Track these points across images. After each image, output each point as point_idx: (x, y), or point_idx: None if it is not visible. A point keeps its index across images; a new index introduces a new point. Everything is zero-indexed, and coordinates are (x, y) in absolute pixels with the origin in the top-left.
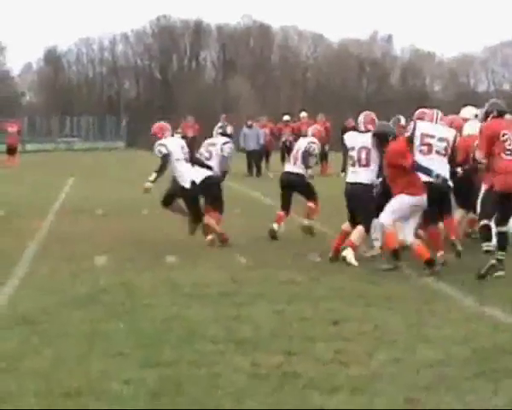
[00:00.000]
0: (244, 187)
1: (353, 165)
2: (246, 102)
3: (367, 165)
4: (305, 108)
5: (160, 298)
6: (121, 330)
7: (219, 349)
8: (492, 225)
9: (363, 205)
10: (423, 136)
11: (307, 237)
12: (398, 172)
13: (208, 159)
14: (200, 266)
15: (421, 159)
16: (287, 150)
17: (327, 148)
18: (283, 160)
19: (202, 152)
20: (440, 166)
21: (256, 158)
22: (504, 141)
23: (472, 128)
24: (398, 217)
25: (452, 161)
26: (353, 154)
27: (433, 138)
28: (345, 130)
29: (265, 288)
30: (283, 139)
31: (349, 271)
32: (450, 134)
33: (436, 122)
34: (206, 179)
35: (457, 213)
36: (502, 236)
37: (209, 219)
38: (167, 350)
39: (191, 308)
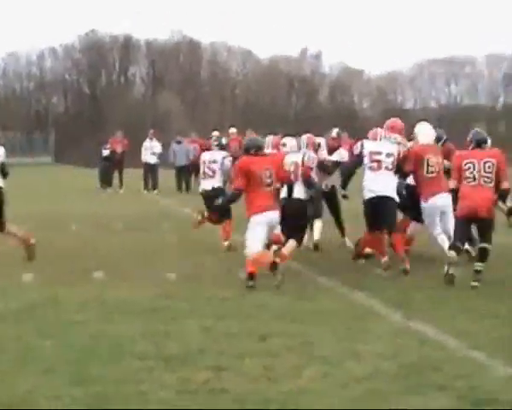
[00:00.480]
0: (174, 203)
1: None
2: (175, 118)
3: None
4: (235, 124)
5: (89, 314)
6: (50, 347)
7: (147, 366)
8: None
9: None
10: (371, 153)
11: (237, 254)
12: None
13: (212, 176)
14: (129, 281)
15: (371, 176)
16: None
17: None
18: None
19: (206, 171)
20: (387, 181)
21: (185, 174)
22: (466, 169)
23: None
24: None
25: (401, 173)
26: None
27: (381, 155)
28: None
29: (194, 304)
30: None
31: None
32: (394, 149)
33: (380, 139)
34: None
35: (411, 226)
36: (483, 251)
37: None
38: (95, 367)
39: (119, 324)
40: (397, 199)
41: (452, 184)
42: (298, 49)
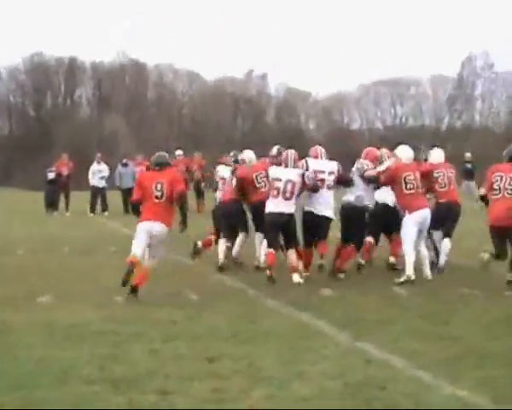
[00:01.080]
0: (120, 225)
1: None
2: (122, 140)
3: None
4: (181, 145)
5: (35, 338)
6: None
7: (94, 390)
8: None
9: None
10: (316, 172)
11: (185, 276)
12: None
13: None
14: (76, 304)
15: (315, 194)
16: None
17: (203, 185)
18: None
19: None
20: (328, 200)
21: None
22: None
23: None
24: None
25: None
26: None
27: (324, 173)
28: None
29: (142, 327)
30: None
31: (225, 309)
32: (335, 167)
33: (321, 158)
34: None
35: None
36: None
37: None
38: (42, 391)
39: (66, 348)
40: (332, 217)
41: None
42: (244, 70)
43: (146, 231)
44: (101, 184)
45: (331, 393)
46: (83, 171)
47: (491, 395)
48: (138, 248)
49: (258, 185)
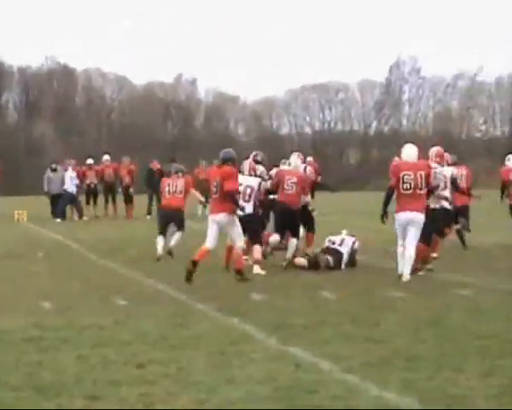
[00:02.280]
0: (47, 230)
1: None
2: (50, 145)
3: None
4: (111, 150)
5: None
6: None
7: (22, 396)
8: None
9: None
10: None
11: (114, 281)
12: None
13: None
14: (2, 311)
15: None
16: (91, 193)
17: (132, 191)
18: (88, 202)
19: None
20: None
21: (60, 200)
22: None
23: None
24: None
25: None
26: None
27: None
28: (150, 172)
29: (69, 333)
30: (88, 182)
31: (154, 314)
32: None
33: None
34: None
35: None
36: None
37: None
38: None
39: None
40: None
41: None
42: (173, 74)
43: (213, 221)
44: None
45: (260, 397)
46: (8, 176)
47: (417, 396)
48: (212, 240)
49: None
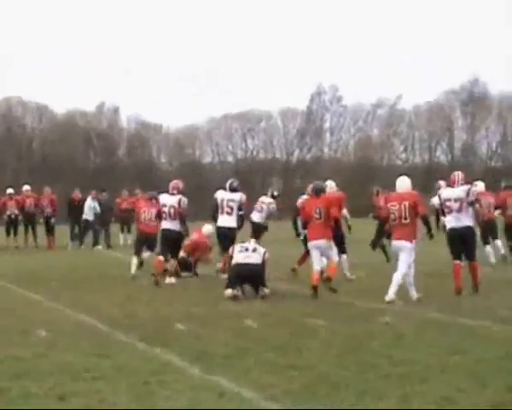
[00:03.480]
0: None
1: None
2: None
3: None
4: (32, 180)
5: None
6: None
7: None
8: None
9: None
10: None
11: (35, 312)
12: None
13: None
14: None
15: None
16: (12, 224)
17: (53, 220)
18: (8, 233)
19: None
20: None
21: None
22: None
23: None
24: None
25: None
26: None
27: (166, 207)
28: (72, 202)
29: None
30: (8, 213)
31: (76, 345)
32: (175, 199)
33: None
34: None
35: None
36: None
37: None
38: None
39: None
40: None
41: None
42: (95, 103)
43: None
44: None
45: None
46: None
47: None
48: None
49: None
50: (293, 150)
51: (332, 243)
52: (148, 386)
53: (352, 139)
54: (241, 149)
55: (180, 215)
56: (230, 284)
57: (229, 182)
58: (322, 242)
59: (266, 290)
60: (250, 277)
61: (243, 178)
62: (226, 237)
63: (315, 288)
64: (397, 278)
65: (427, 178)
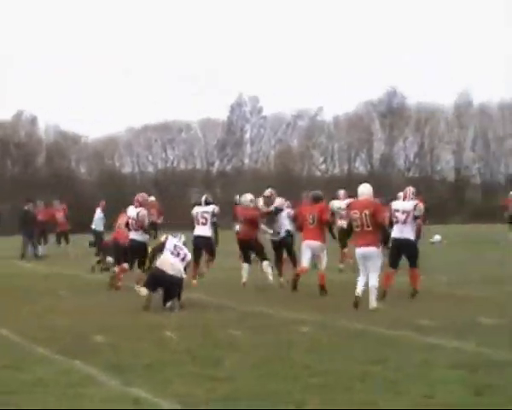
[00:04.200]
0: None
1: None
2: None
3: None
4: None
5: None
6: None
7: None
8: None
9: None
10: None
11: None
12: None
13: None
14: None
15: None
16: None
17: None
18: None
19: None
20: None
21: None
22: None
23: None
24: None
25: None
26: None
27: (130, 219)
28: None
29: None
30: None
31: None
32: (135, 212)
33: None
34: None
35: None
36: None
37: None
38: None
39: None
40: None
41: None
42: (12, 112)
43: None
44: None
45: None
46: None
47: None
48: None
49: None
50: (214, 161)
51: (325, 246)
52: (64, 399)
53: (272, 150)
54: (162, 160)
55: (140, 227)
56: (148, 285)
57: (203, 197)
58: (315, 243)
59: (177, 305)
60: (168, 286)
61: (163, 189)
62: (203, 246)
63: (295, 280)
64: (373, 284)
65: (346, 189)
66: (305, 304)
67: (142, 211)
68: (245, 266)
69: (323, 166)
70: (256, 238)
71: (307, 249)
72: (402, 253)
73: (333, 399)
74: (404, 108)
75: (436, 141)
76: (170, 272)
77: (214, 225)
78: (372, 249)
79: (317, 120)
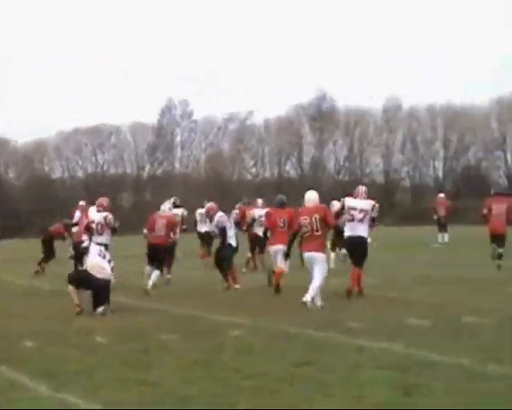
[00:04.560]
0: None
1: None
2: None
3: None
4: None
5: None
6: None
7: None
8: None
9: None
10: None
11: None
12: None
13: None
14: None
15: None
16: None
17: None
18: None
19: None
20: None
21: None
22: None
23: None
24: None
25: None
26: None
27: (94, 223)
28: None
29: None
30: None
31: None
32: (101, 217)
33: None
34: None
35: None
36: None
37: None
38: None
39: None
40: None
41: None
42: None
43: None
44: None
45: None
46: None
47: None
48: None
49: None
50: (144, 165)
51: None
52: None
53: (202, 154)
54: (91, 164)
55: (109, 229)
56: (74, 282)
57: (172, 199)
58: (282, 247)
59: (108, 309)
60: (97, 290)
61: (93, 194)
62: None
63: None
64: (314, 285)
65: (277, 192)
66: (237, 307)
67: (109, 215)
68: (148, 269)
69: (254, 170)
70: (166, 246)
71: (277, 254)
72: (353, 250)
73: (263, 401)
74: (333, 111)
75: (365, 144)
76: (98, 275)
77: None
78: (318, 254)
79: (247, 124)
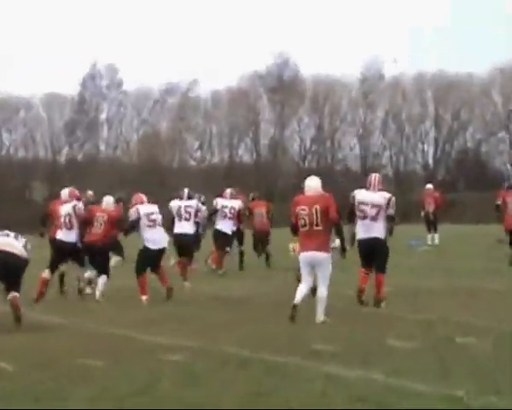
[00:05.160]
0: None
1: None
2: None
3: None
4: None
5: None
6: None
7: None
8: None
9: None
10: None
11: None
12: None
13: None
14: None
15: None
16: None
17: None
18: None
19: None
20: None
21: None
22: None
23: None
24: None
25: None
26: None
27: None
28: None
29: None
30: None
31: None
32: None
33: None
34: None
35: None
36: None
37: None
38: None
39: None
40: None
41: None
42: None
43: None
44: None
45: None
46: None
47: None
48: None
49: None
50: (61, 148)
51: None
52: None
53: (135, 134)
54: None
55: (80, 221)
56: None
57: (186, 191)
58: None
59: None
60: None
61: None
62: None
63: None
64: (321, 294)
65: (228, 182)
66: (176, 326)
67: (79, 204)
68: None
69: (199, 154)
70: (105, 244)
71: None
72: (370, 256)
73: None
74: (297, 81)
75: (338, 122)
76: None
77: (197, 224)
78: (322, 255)
79: (190, 97)
